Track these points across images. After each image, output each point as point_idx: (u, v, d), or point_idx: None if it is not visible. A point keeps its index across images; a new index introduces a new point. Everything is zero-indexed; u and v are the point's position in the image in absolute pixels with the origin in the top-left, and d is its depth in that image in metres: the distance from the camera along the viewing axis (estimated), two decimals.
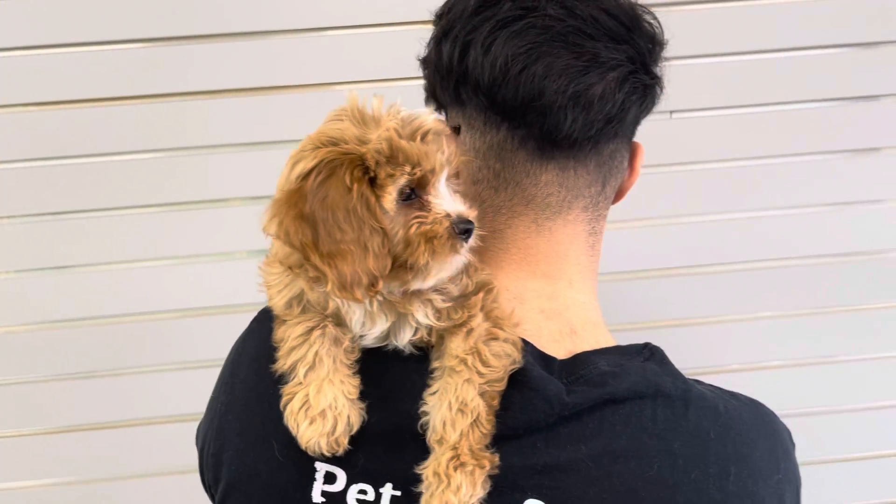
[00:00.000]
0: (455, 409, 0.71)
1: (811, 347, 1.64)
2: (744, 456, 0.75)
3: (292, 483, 0.74)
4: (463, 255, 0.73)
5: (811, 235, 1.59)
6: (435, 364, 0.74)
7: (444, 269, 0.72)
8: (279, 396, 0.74)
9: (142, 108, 1.47)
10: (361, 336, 0.75)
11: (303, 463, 0.73)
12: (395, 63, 1.34)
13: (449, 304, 0.74)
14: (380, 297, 0.72)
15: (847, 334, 1.64)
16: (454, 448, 0.70)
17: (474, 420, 0.71)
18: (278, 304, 0.76)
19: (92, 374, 1.55)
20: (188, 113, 1.47)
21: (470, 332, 0.74)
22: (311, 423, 0.71)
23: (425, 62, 0.87)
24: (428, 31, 0.87)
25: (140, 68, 1.45)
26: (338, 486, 0.73)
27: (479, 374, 0.72)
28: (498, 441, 0.72)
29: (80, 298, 1.52)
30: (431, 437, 0.72)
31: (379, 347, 0.76)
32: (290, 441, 0.73)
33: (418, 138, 0.70)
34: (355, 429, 0.73)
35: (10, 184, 1.47)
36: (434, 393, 0.73)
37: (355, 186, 0.68)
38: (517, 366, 0.74)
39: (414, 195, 0.71)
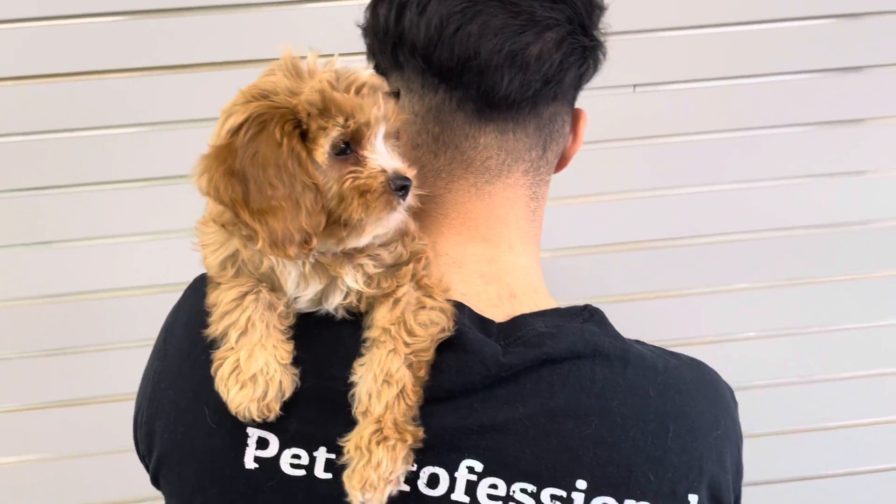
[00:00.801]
0: (380, 380, 0.70)
1: (786, 318, 1.64)
2: (683, 413, 0.75)
3: (224, 450, 0.73)
4: (400, 213, 0.72)
5: (782, 207, 1.59)
6: (366, 334, 0.74)
7: (380, 225, 0.71)
8: (211, 363, 0.73)
9: (124, 81, 1.45)
10: (296, 299, 0.75)
11: (234, 429, 0.73)
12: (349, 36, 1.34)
13: (380, 271, 0.74)
14: (313, 258, 0.72)
15: (822, 305, 1.64)
16: (378, 421, 0.69)
17: (400, 391, 0.70)
18: (213, 265, 0.76)
19: (71, 350, 1.54)
20: (171, 87, 1.46)
21: (397, 301, 0.73)
22: (241, 388, 0.71)
23: (364, 29, 0.86)
24: None
25: (120, 42, 1.44)
26: (270, 452, 0.72)
27: (406, 343, 0.71)
28: (434, 403, 0.72)
29: (60, 274, 1.51)
30: (357, 409, 0.71)
31: (313, 313, 0.75)
32: (221, 407, 0.72)
33: (353, 91, 0.70)
34: (287, 394, 0.72)
35: None
36: (363, 364, 0.72)
37: (285, 141, 0.67)
38: (446, 334, 0.73)
39: (349, 150, 0.70)
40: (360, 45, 1.40)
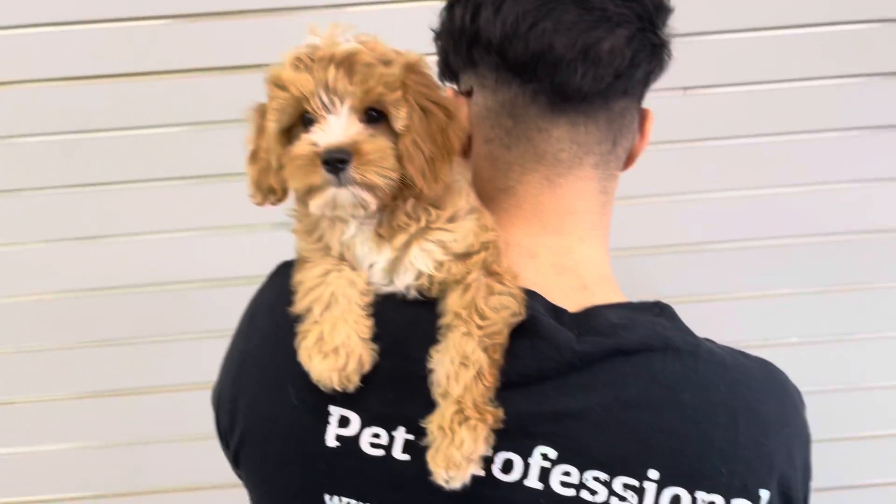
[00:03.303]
0: (457, 362, 0.72)
1: (828, 325, 1.63)
2: (753, 409, 0.76)
3: (307, 427, 0.75)
4: (346, 190, 0.71)
5: (829, 212, 1.58)
6: (440, 321, 0.76)
7: (318, 197, 0.72)
8: (294, 343, 0.75)
9: (169, 82, 1.49)
10: (370, 269, 0.77)
11: (317, 407, 0.75)
12: (412, 38, 1.36)
13: (449, 258, 0.76)
14: (364, 222, 0.77)
15: (864, 312, 1.63)
16: (458, 402, 0.71)
17: (477, 373, 0.71)
18: (301, 231, 0.81)
19: (118, 342, 1.59)
20: (215, 87, 1.50)
21: (467, 287, 0.75)
22: (323, 357, 0.73)
23: (438, 32, 0.88)
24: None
25: (167, 43, 1.48)
26: (352, 430, 0.74)
27: (478, 326, 0.72)
28: (508, 388, 0.73)
29: (107, 268, 1.55)
30: (436, 391, 0.73)
31: (392, 295, 0.78)
32: (305, 386, 0.74)
33: (320, 64, 0.71)
34: (366, 367, 0.74)
35: (39, 156, 1.51)
36: (439, 351, 0.74)
37: (257, 117, 0.77)
38: (518, 318, 0.74)
39: (312, 125, 0.72)
40: (405, 46, 1.43)
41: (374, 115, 0.73)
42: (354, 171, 0.70)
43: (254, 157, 0.77)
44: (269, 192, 0.76)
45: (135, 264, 1.56)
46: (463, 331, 0.73)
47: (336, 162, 0.70)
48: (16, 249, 1.55)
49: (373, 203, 0.73)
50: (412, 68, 0.74)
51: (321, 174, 0.70)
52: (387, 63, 0.73)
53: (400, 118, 0.72)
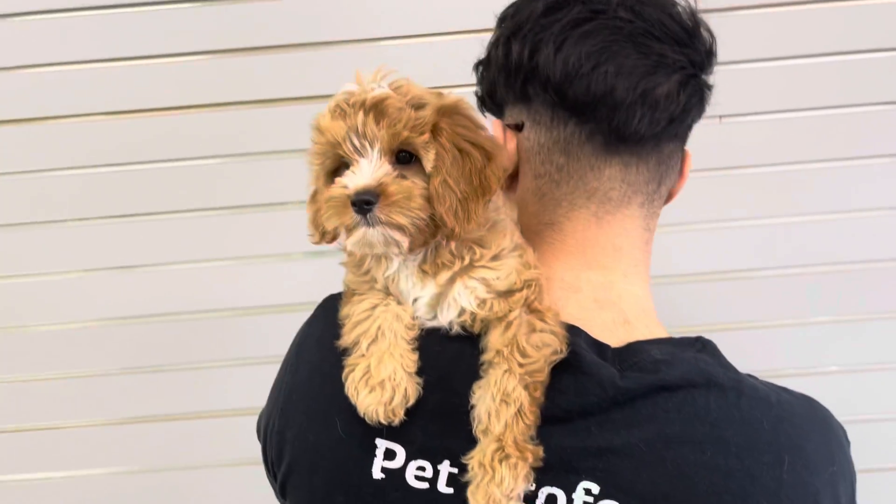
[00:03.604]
0: (498, 399, 0.73)
1: (867, 353, 1.61)
2: (798, 447, 0.76)
3: (353, 459, 0.76)
4: (375, 230, 0.73)
5: (867, 239, 1.57)
6: (482, 357, 0.77)
7: (352, 236, 0.74)
8: (341, 375, 0.77)
9: (205, 116, 1.54)
10: (415, 303, 0.79)
11: (364, 439, 0.76)
12: (447, 71, 1.38)
13: (492, 296, 0.77)
14: (406, 258, 0.78)
15: None
16: (499, 439, 0.72)
17: (518, 410, 0.72)
18: (350, 264, 0.83)
19: (154, 369, 1.62)
20: (250, 121, 1.54)
21: (509, 324, 0.76)
22: (370, 391, 0.74)
23: (486, 63, 0.89)
24: (478, 40, 0.91)
25: (202, 80, 1.53)
26: (397, 463, 0.75)
27: (520, 364, 0.73)
28: (552, 423, 0.74)
29: (145, 296, 1.59)
30: (477, 428, 0.74)
31: (437, 329, 0.79)
32: (351, 418, 0.75)
33: (352, 111, 0.73)
34: (412, 401, 0.75)
35: (79, 188, 1.56)
36: (481, 386, 0.75)
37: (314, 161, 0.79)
38: (558, 356, 0.75)
39: (349, 168, 0.75)
40: (438, 78, 1.45)
41: (407, 157, 0.75)
42: (380, 212, 0.72)
43: (312, 198, 0.80)
44: (324, 231, 0.78)
45: (172, 293, 1.59)
46: (504, 368, 0.74)
47: (363, 203, 0.72)
48: (56, 279, 1.59)
49: (404, 242, 0.74)
50: (446, 111, 0.76)
51: (351, 215, 0.73)
52: (419, 106, 0.75)
53: (429, 159, 0.74)
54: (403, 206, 0.73)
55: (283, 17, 1.50)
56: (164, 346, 1.60)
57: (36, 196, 1.56)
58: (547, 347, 0.75)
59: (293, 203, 1.56)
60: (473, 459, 0.73)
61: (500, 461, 0.71)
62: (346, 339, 0.78)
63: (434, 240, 0.77)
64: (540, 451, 0.73)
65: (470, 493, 0.72)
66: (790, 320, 1.61)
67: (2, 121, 1.53)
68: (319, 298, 0.88)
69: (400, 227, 0.73)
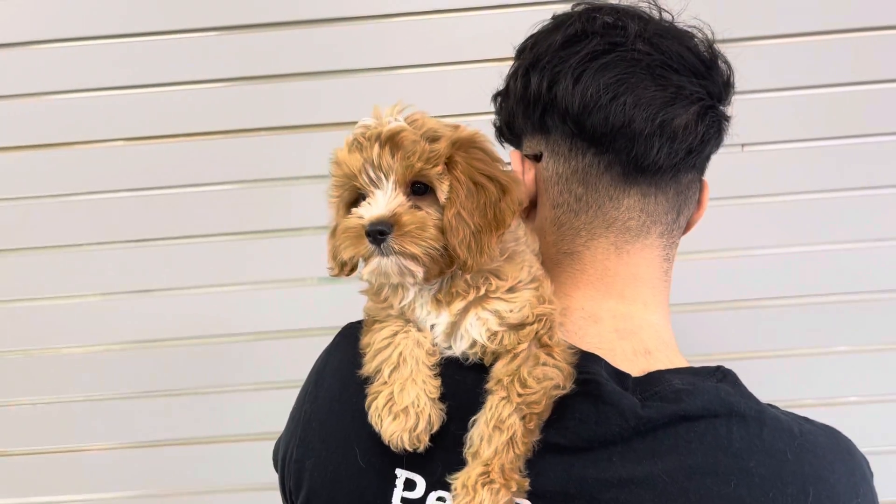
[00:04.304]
0: (491, 425, 0.73)
1: (888, 383, 1.59)
2: (822, 478, 0.75)
3: (373, 489, 0.76)
4: (389, 259, 0.74)
5: (887, 269, 1.56)
6: (485, 386, 0.77)
7: (367, 265, 0.76)
8: (362, 405, 0.77)
9: (223, 142, 1.56)
10: (432, 329, 0.79)
11: (384, 469, 0.76)
12: (464, 100, 1.40)
13: (504, 329, 0.77)
14: (423, 286, 0.78)
15: None
16: (486, 464, 0.72)
17: (510, 439, 0.72)
18: (370, 292, 0.83)
19: (172, 392, 1.62)
20: (266, 147, 1.55)
21: (515, 356, 0.76)
22: (394, 418, 0.74)
23: (504, 94, 0.90)
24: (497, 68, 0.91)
25: (220, 106, 1.55)
26: (417, 493, 0.75)
27: (518, 394, 0.73)
28: (573, 453, 0.74)
29: (163, 320, 1.59)
30: (468, 450, 0.74)
31: (455, 359, 0.79)
32: (371, 447, 0.75)
33: (368, 144, 0.75)
34: (436, 427, 0.75)
35: (100, 213, 1.57)
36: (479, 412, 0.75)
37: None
38: (561, 391, 0.75)
39: (365, 199, 0.76)
40: (460, 106, 1.46)
41: (422, 188, 0.76)
42: (394, 242, 0.73)
43: (333, 232, 0.80)
44: (343, 263, 0.79)
45: (190, 317, 1.60)
46: (502, 395, 0.74)
47: (377, 233, 0.73)
48: (77, 301, 1.60)
49: (418, 271, 0.75)
50: (462, 144, 0.76)
51: (366, 245, 0.74)
52: (433, 139, 0.75)
53: (443, 191, 0.75)
54: (417, 235, 0.73)
55: (302, 45, 1.53)
56: (181, 370, 1.60)
57: (57, 220, 1.58)
58: (549, 381, 0.75)
59: (309, 229, 1.57)
60: (458, 480, 0.73)
61: (483, 485, 0.71)
62: (367, 368, 0.78)
63: (450, 270, 0.77)
64: (526, 483, 0.72)
65: None
66: (811, 350, 1.59)
67: (24, 146, 1.56)
68: (335, 323, 0.89)
69: (413, 257, 0.74)
